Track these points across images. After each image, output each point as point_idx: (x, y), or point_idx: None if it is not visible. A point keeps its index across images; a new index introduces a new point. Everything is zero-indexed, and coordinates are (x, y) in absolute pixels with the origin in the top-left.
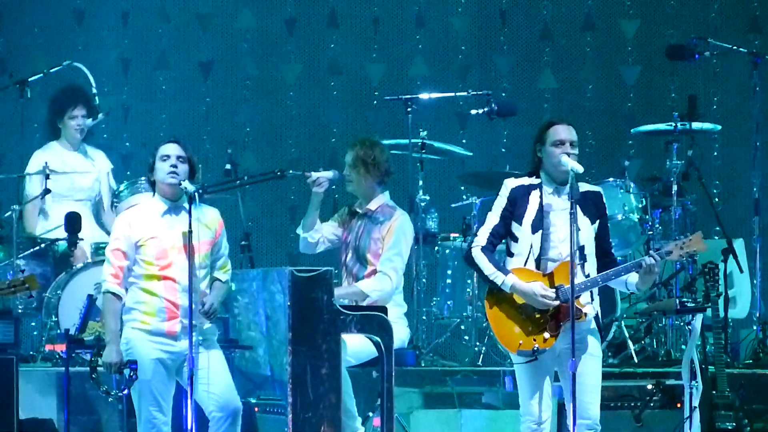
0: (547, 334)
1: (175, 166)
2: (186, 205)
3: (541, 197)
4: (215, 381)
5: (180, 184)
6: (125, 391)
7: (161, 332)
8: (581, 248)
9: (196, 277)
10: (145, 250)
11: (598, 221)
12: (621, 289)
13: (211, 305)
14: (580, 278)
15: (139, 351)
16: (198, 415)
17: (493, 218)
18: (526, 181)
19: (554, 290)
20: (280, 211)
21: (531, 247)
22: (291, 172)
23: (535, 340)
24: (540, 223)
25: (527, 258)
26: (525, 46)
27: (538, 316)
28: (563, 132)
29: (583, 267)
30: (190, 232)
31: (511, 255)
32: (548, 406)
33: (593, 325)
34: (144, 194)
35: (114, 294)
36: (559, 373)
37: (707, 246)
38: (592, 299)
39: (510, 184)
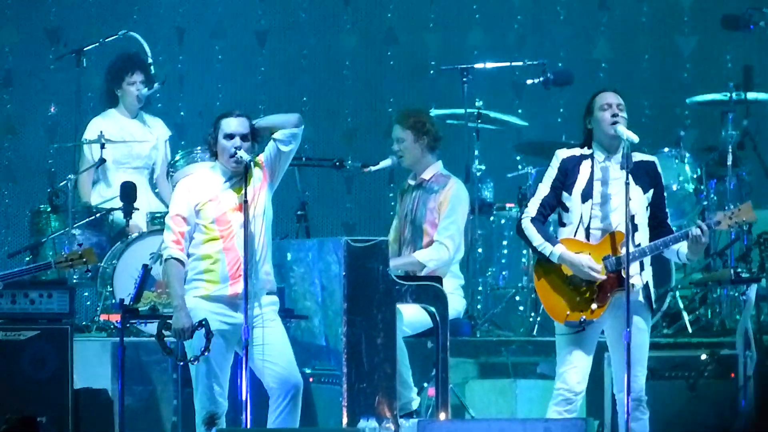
0: (594, 305)
1: (239, 147)
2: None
3: (592, 167)
4: (275, 354)
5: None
6: (206, 353)
7: (223, 298)
8: (632, 218)
9: (254, 242)
10: (203, 214)
11: (651, 190)
12: (674, 259)
13: None
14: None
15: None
16: (255, 388)
17: (543, 189)
18: (577, 151)
19: (602, 265)
20: (336, 181)
21: (581, 216)
22: (350, 163)
23: (582, 311)
24: (590, 193)
25: (577, 228)
26: (581, 16)
27: (585, 288)
28: (610, 96)
29: (633, 237)
30: (246, 201)
31: (563, 225)
32: (585, 378)
33: (641, 296)
34: (200, 164)
35: (177, 260)
36: (608, 344)
37: (756, 216)
38: (642, 270)
39: (561, 154)
